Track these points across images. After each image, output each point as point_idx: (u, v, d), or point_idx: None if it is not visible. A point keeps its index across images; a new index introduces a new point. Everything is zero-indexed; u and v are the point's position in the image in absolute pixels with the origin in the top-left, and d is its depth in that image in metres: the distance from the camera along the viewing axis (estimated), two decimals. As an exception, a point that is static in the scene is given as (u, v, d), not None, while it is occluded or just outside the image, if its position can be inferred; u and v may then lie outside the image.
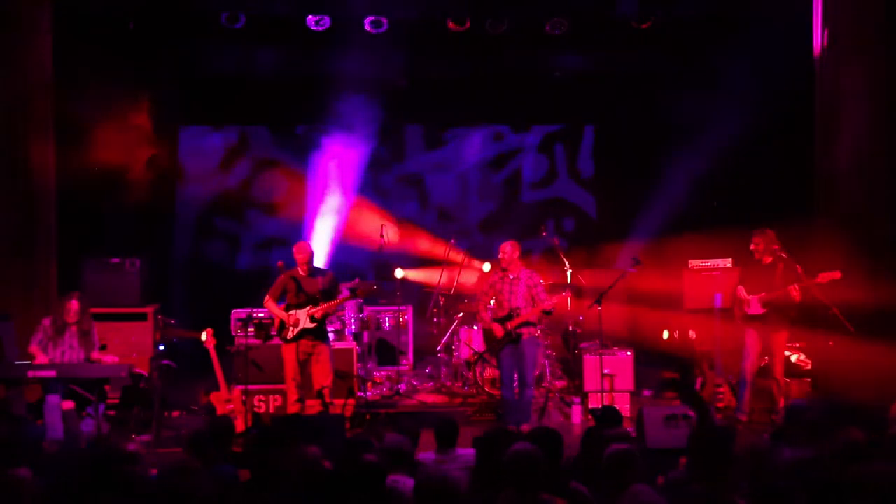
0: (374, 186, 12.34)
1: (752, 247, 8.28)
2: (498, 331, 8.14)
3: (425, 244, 11.98)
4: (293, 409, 8.23)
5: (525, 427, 7.85)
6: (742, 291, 8.29)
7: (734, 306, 8.42)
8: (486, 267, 10.52)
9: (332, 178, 12.07)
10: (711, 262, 9.35)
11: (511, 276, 8.24)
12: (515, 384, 8.22)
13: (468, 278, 10.71)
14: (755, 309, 8.19)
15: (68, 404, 7.51)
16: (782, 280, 8.08)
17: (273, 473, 4.55)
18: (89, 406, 7.67)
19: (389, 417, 8.77)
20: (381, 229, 10.55)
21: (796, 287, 7.93)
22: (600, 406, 8.26)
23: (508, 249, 8.23)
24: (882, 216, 8.42)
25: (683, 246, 10.17)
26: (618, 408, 7.10)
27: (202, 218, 12.19)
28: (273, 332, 9.33)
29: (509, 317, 8.12)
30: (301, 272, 8.37)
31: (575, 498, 4.11)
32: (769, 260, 8.20)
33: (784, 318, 8.18)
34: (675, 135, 11.02)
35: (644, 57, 11.05)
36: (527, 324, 8.14)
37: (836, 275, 7.79)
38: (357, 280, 10.31)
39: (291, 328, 8.21)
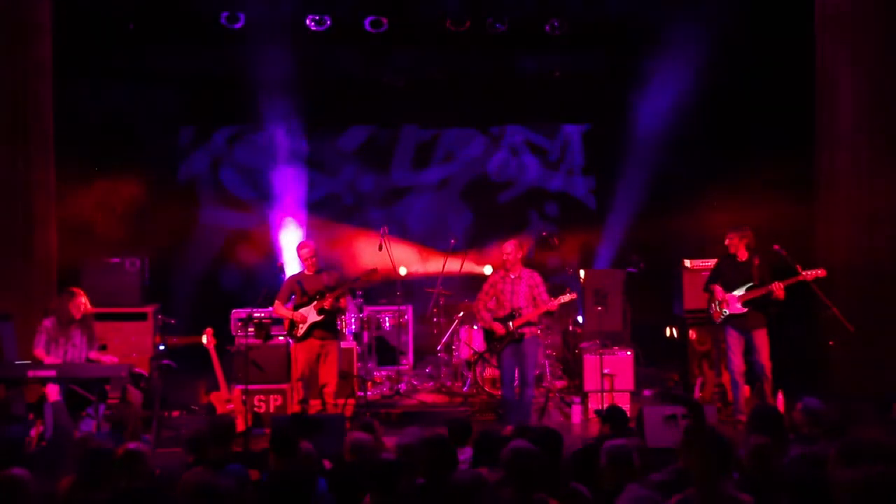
0: (362, 191, 12.39)
1: (726, 241, 8.25)
2: (499, 329, 8.14)
3: (425, 257, 11.97)
4: (295, 409, 8.24)
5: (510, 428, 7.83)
6: (719, 291, 8.25)
7: (710, 305, 8.36)
8: (488, 269, 10.51)
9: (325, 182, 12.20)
10: (711, 262, 9.34)
11: (513, 276, 8.23)
12: (516, 384, 8.22)
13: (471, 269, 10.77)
14: (734, 308, 8.15)
15: (54, 396, 7.47)
16: (759, 276, 8.06)
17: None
18: (89, 406, 7.67)
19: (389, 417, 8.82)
20: (383, 230, 10.55)
21: (780, 285, 7.90)
22: (605, 407, 8.25)
23: (511, 249, 8.23)
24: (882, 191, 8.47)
25: (683, 244, 10.19)
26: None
27: (202, 217, 12.19)
28: (274, 332, 9.37)
29: (511, 316, 8.12)
30: (307, 272, 8.38)
31: (575, 498, 4.10)
32: (745, 257, 8.18)
33: (764, 315, 8.16)
34: (674, 132, 11.03)
35: (637, 54, 11.06)
36: (528, 323, 8.15)
37: (821, 272, 7.78)
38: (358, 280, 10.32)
39: (300, 325, 8.21)
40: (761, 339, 8.14)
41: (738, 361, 8.23)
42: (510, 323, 8.10)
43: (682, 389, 9.26)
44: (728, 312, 8.16)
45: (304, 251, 8.40)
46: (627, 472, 4.21)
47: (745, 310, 8.11)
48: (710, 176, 10.85)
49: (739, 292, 8.10)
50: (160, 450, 7.59)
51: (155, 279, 10.04)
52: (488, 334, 8.36)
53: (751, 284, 8.07)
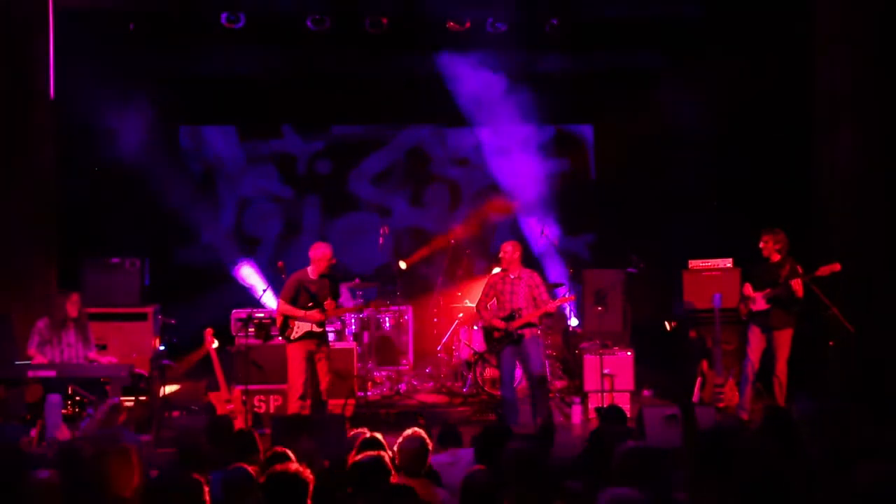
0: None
1: (760, 244, 8.29)
2: (499, 325, 8.12)
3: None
4: (294, 407, 8.17)
5: (538, 420, 7.86)
6: (749, 289, 8.30)
7: (740, 304, 8.42)
8: (495, 271, 10.45)
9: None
10: (711, 262, 9.35)
11: (512, 276, 8.21)
12: (516, 383, 8.23)
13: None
14: (759, 305, 8.21)
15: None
16: (786, 277, 8.10)
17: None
18: (89, 406, 7.68)
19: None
20: (383, 229, 10.57)
21: (798, 281, 7.94)
22: (605, 406, 8.27)
23: (509, 249, 8.22)
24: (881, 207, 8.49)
25: (683, 244, 10.19)
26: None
27: (204, 216, 12.20)
28: (274, 332, 9.35)
29: (511, 317, 8.10)
30: (312, 275, 8.23)
31: (570, 496, 4.10)
32: (777, 258, 8.21)
33: (789, 315, 8.18)
34: (673, 133, 11.04)
35: (641, 56, 11.05)
36: (528, 325, 8.13)
37: (836, 267, 7.81)
38: (357, 280, 10.33)
39: (295, 327, 8.14)
40: (782, 339, 8.17)
41: (753, 358, 8.27)
42: (508, 324, 8.09)
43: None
44: (753, 310, 8.22)
45: (314, 254, 8.19)
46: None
47: (768, 307, 8.15)
48: (711, 175, 10.88)
49: (766, 291, 8.16)
50: (160, 450, 7.59)
51: (155, 279, 10.05)
52: (488, 334, 8.34)
53: (777, 286, 8.13)
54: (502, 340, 8.12)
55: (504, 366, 8.20)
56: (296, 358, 8.16)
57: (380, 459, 4.29)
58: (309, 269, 8.22)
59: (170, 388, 9.03)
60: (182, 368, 9.52)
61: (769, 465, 3.74)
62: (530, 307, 8.11)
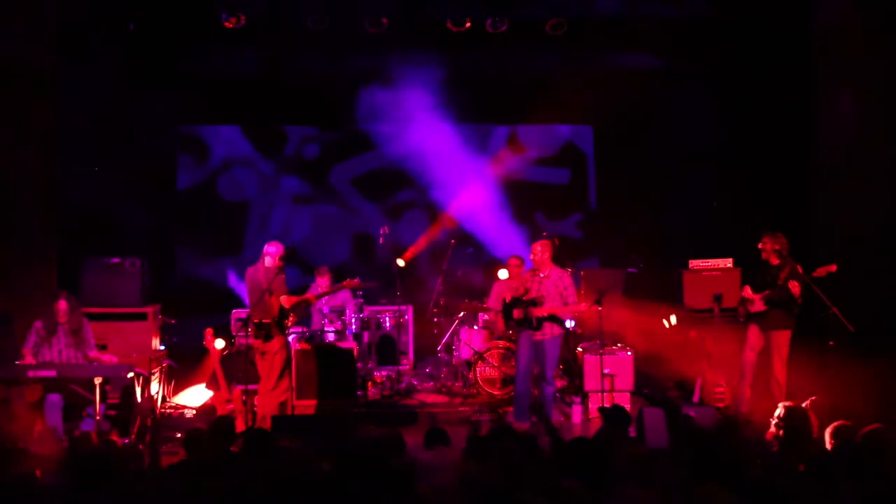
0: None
1: (759, 246, 8.30)
2: (517, 314, 8.28)
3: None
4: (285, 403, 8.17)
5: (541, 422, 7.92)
6: (748, 291, 8.31)
7: (739, 306, 8.43)
8: (503, 273, 10.45)
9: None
10: (711, 262, 9.35)
11: (541, 275, 8.39)
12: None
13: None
14: (758, 307, 8.22)
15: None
16: (785, 279, 8.10)
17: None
18: (89, 406, 7.66)
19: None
20: (383, 229, 10.58)
21: (795, 283, 7.95)
22: (609, 405, 8.27)
23: (539, 250, 8.43)
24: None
25: (683, 244, 10.18)
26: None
27: (205, 217, 12.20)
28: (274, 333, 9.35)
29: (533, 303, 8.21)
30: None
31: (568, 495, 4.09)
32: (777, 261, 8.22)
33: (787, 316, 8.18)
34: (673, 133, 11.04)
35: (641, 56, 11.05)
36: (551, 318, 8.23)
37: (832, 267, 7.84)
38: (358, 280, 10.33)
39: (290, 322, 8.21)
40: (780, 340, 8.18)
41: (749, 355, 8.31)
42: (530, 309, 8.18)
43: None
44: (752, 311, 8.26)
45: (277, 251, 8.16)
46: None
47: (765, 308, 8.16)
48: (712, 175, 10.88)
49: (765, 292, 8.18)
50: (160, 450, 7.57)
51: (155, 279, 10.04)
52: (507, 313, 8.50)
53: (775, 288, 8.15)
54: (521, 323, 8.27)
55: (521, 357, 8.36)
56: (286, 354, 8.14)
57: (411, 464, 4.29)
58: (267, 262, 8.18)
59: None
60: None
61: (774, 469, 3.75)
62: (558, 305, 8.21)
